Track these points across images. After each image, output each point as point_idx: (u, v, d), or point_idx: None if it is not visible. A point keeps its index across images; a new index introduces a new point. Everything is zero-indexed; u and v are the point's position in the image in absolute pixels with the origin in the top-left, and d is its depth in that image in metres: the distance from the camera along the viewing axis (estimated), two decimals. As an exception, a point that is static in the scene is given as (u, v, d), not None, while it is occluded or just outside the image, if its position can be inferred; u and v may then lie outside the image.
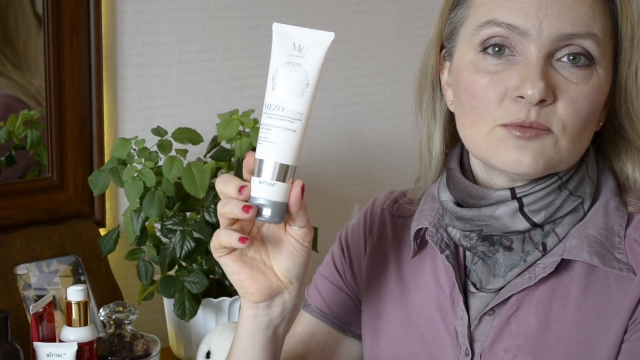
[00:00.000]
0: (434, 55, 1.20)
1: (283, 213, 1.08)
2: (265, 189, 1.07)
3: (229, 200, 1.08)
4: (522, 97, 1.08)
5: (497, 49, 1.11)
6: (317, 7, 2.15)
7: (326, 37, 1.07)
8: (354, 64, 2.25)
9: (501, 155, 1.11)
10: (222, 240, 1.09)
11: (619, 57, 1.13)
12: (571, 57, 1.10)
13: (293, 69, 1.07)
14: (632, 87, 1.14)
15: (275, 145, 1.06)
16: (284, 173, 1.07)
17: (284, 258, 1.12)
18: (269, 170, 1.07)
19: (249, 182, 1.08)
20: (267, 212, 1.07)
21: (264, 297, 1.12)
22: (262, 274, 1.12)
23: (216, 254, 1.11)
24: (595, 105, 1.11)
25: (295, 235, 1.11)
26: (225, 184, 1.09)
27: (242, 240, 1.07)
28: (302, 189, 1.08)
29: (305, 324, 1.31)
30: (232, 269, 1.11)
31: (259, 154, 1.07)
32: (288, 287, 1.13)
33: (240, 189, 1.07)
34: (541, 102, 1.08)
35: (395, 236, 1.28)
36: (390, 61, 2.31)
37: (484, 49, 1.12)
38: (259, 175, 1.07)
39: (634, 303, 1.10)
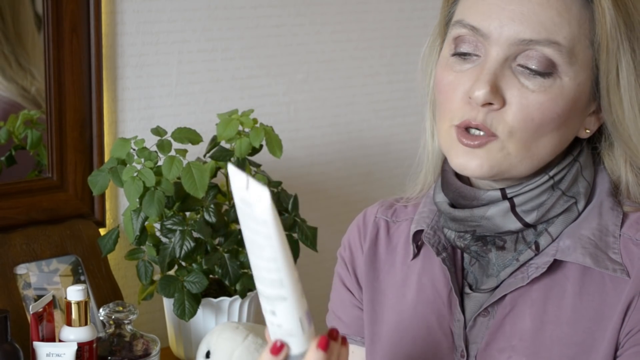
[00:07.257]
0: (439, 45, 1.21)
1: None
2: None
3: None
4: (471, 97, 1.10)
5: (462, 51, 1.13)
6: (317, 7, 2.15)
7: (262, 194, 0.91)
8: (354, 64, 2.24)
9: (451, 157, 1.14)
10: None
11: (599, 67, 1.12)
12: (525, 66, 1.10)
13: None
14: (614, 97, 1.13)
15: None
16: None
17: None
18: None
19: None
20: None
21: None
22: None
23: None
24: (551, 113, 1.10)
25: None
26: None
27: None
28: None
29: None
30: None
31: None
32: None
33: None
34: (488, 105, 1.09)
35: (391, 241, 1.28)
36: (390, 61, 2.30)
37: (455, 53, 1.14)
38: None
39: (626, 306, 1.10)
